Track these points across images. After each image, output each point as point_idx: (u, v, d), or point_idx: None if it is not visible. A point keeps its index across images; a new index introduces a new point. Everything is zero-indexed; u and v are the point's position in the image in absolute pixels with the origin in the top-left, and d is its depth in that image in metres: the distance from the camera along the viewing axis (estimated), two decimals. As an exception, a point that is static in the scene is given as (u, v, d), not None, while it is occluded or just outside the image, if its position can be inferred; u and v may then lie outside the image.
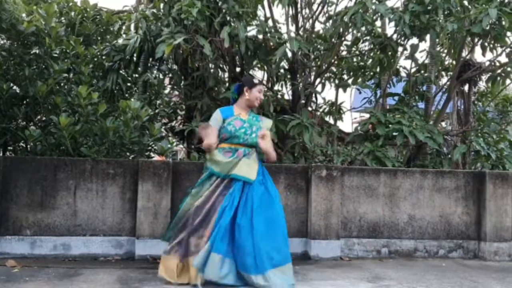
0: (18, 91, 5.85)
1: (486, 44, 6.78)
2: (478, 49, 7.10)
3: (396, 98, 7.59)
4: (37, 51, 5.79)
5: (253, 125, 4.33)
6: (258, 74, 7.89)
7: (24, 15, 5.80)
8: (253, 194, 4.09)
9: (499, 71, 7.18)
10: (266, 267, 3.90)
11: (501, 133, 7.75)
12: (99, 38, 7.14)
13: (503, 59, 7.02)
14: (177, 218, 4.20)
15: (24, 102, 5.90)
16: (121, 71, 6.80)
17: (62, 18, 6.80)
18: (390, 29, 7.13)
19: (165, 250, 4.15)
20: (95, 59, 6.64)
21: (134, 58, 6.69)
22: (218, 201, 4.09)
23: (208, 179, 4.21)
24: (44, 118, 5.96)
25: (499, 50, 6.96)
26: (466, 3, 6.58)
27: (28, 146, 5.83)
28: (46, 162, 5.12)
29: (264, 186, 4.19)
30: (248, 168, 4.17)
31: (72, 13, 6.85)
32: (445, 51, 7.97)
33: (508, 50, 6.88)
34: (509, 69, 7.00)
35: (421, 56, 7.81)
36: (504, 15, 5.85)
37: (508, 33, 6.38)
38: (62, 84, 6.04)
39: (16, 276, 4.19)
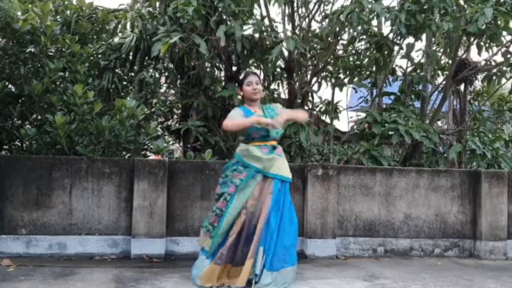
0: (13, 90, 5.83)
1: (481, 43, 6.80)
2: (474, 49, 7.15)
3: (392, 97, 7.60)
4: (33, 50, 5.77)
5: (273, 116, 4.26)
6: (255, 73, 7.88)
7: (19, 13, 5.77)
8: (285, 193, 4.12)
9: (494, 70, 7.21)
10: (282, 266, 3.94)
11: (496, 132, 7.77)
12: (94, 36, 7.12)
13: (499, 58, 7.04)
14: (226, 224, 4.03)
15: (20, 101, 5.87)
16: (117, 70, 6.79)
17: (58, 17, 6.78)
18: (386, 28, 7.17)
19: (209, 258, 4.07)
20: (91, 57, 6.62)
21: (130, 57, 6.68)
22: (266, 203, 4.03)
23: (253, 178, 4.10)
24: (39, 117, 5.94)
25: (495, 49, 6.99)
26: (462, 2, 6.61)
27: (24, 145, 5.82)
28: (42, 161, 5.10)
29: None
30: (284, 167, 4.17)
31: (68, 12, 6.83)
32: (441, 50, 7.99)
33: (503, 49, 6.91)
34: (504, 68, 7.03)
35: (417, 55, 7.82)
36: (499, 14, 5.87)
37: (504, 33, 6.41)
38: (57, 83, 6.02)
39: (11, 275, 4.17)
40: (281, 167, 4.14)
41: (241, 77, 4.49)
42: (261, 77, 7.57)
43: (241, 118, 4.12)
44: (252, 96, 4.31)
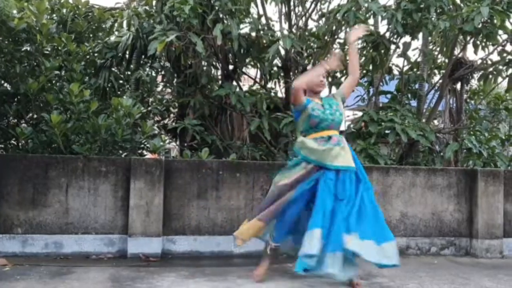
0: (9, 89, 5.81)
1: (478, 42, 6.82)
2: (470, 47, 7.17)
3: (389, 96, 7.60)
4: (28, 48, 5.75)
5: (332, 104, 4.27)
6: (251, 71, 7.90)
7: (15, 11, 5.75)
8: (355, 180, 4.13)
9: (491, 69, 7.22)
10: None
11: (492, 131, 7.80)
12: (91, 35, 7.11)
13: (495, 57, 7.08)
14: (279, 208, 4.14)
15: (15, 99, 5.85)
16: (113, 69, 6.78)
17: (54, 15, 6.76)
18: (382, 27, 7.15)
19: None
20: (87, 56, 6.61)
21: (126, 56, 6.67)
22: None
23: (299, 165, 4.15)
24: (35, 116, 5.92)
25: (491, 48, 7.00)
26: (458, 1, 6.63)
27: (20, 143, 5.80)
28: (38, 159, 5.08)
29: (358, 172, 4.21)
30: (344, 156, 4.12)
31: (64, 10, 6.82)
32: (438, 49, 8.00)
33: (499, 48, 6.92)
34: (500, 67, 7.04)
35: (413, 54, 7.84)
36: (495, 13, 5.88)
37: (500, 32, 6.42)
38: (53, 82, 6.01)
39: (7, 274, 4.16)
40: (338, 156, 4.09)
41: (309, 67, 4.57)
42: (258, 75, 7.59)
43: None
44: (317, 88, 4.32)
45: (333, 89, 7.68)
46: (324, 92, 4.76)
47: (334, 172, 4.06)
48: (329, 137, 4.15)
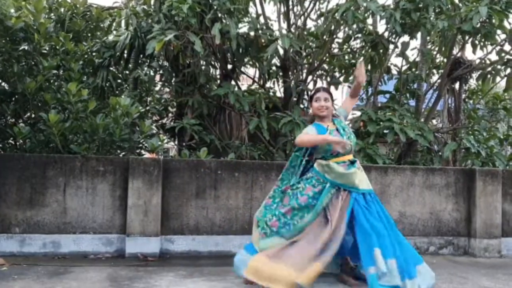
0: (6, 88, 5.80)
1: (476, 42, 6.83)
2: (468, 47, 7.16)
3: (387, 95, 7.61)
4: (26, 47, 5.74)
5: (345, 127, 4.27)
6: (250, 71, 7.89)
7: (12, 10, 5.74)
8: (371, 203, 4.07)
9: (489, 69, 7.23)
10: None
11: (491, 131, 7.80)
12: (89, 34, 7.10)
13: (493, 57, 7.08)
14: (295, 231, 4.05)
15: (13, 99, 5.84)
16: (111, 68, 6.77)
17: (52, 14, 6.75)
18: (381, 27, 7.15)
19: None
20: (85, 55, 6.60)
21: (125, 55, 6.66)
22: (342, 215, 4.00)
23: (328, 193, 4.06)
24: (33, 115, 5.91)
25: (489, 48, 7.00)
26: (456, 1, 6.63)
27: (17, 143, 5.79)
28: (35, 159, 5.07)
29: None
30: (365, 180, 4.14)
31: (62, 9, 6.80)
32: (436, 49, 8.01)
33: (498, 48, 6.92)
34: (499, 66, 7.05)
35: (412, 54, 7.90)
36: (494, 13, 5.89)
37: (498, 31, 6.43)
38: (51, 81, 6.00)
39: (4, 274, 4.15)
40: (362, 179, 4.11)
41: (313, 91, 4.47)
42: (257, 75, 7.58)
43: (314, 135, 4.13)
44: (318, 113, 4.27)
45: (331, 88, 7.69)
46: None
47: (361, 195, 4.07)
48: (353, 161, 4.15)
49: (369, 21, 6.87)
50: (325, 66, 7.65)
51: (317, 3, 7.31)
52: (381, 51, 6.71)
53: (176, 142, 7.56)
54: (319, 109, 4.25)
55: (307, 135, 4.14)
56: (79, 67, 5.95)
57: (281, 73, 7.15)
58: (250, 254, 4.05)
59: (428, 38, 7.64)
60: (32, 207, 4.99)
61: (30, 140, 5.49)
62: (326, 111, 4.25)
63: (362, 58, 4.14)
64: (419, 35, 6.99)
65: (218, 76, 7.41)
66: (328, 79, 7.82)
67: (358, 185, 4.05)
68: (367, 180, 4.19)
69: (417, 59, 7.76)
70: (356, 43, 7.35)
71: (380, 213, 4.04)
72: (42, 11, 5.84)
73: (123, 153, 5.90)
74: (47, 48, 6.02)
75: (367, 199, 4.06)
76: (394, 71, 7.78)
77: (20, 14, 5.67)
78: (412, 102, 7.75)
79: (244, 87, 7.57)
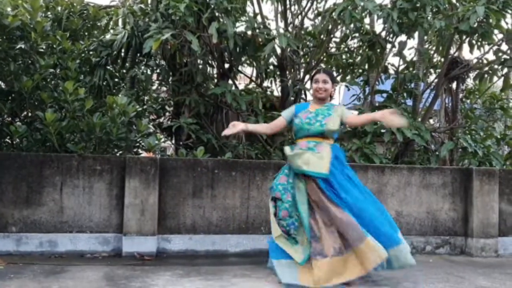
0: (3, 87, 5.78)
1: (473, 41, 6.83)
2: (465, 47, 7.16)
3: (385, 95, 7.61)
4: (23, 46, 5.71)
5: (319, 114, 4.25)
6: (247, 70, 7.89)
7: (9, 9, 5.71)
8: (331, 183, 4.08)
9: (486, 68, 7.24)
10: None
11: (488, 130, 7.82)
12: (86, 33, 7.09)
13: (491, 56, 7.09)
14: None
15: (10, 97, 5.82)
16: (108, 67, 6.75)
17: (49, 13, 6.74)
18: (378, 26, 7.18)
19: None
20: (82, 54, 6.58)
21: (122, 54, 6.64)
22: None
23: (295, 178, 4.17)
24: (30, 114, 5.89)
25: (487, 47, 7.01)
26: (454, 0, 6.63)
27: (14, 142, 5.77)
28: (32, 158, 5.06)
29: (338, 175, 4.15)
30: (318, 162, 4.09)
31: (59, 8, 6.79)
32: (433, 48, 8.01)
33: (495, 47, 6.93)
34: (496, 66, 7.05)
35: (409, 53, 7.90)
36: (491, 13, 5.89)
37: (495, 31, 6.44)
38: (48, 80, 5.98)
39: (0, 273, 4.13)
40: (308, 161, 4.08)
41: (312, 73, 4.52)
42: (254, 74, 7.58)
43: (279, 120, 4.37)
44: (315, 94, 4.32)
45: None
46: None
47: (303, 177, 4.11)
48: (316, 143, 4.20)
49: (367, 20, 6.87)
50: (323, 65, 7.64)
51: (315, 2, 7.31)
52: (378, 50, 6.71)
53: (173, 141, 7.55)
54: (316, 91, 4.29)
55: None
56: (76, 66, 5.93)
57: (278, 72, 7.15)
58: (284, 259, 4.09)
59: (425, 37, 7.65)
60: (28, 206, 4.98)
61: (27, 139, 5.48)
62: (324, 93, 4.27)
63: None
64: (416, 34, 7.00)
65: (215, 75, 7.40)
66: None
67: (301, 167, 4.06)
68: (323, 162, 4.10)
69: (415, 59, 7.76)
70: (353, 43, 7.36)
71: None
72: (39, 10, 5.81)
73: (120, 152, 5.89)
74: (44, 47, 6.00)
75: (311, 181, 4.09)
76: (391, 71, 7.78)
77: (16, 12, 5.65)
78: (409, 102, 7.75)
79: (241, 86, 7.56)
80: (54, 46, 6.02)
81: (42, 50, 5.95)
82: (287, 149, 4.23)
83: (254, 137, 6.91)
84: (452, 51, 7.55)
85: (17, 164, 4.99)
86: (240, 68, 7.48)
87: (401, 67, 7.67)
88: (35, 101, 5.76)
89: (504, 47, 6.79)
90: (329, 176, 4.08)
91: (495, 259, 5.63)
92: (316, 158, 4.10)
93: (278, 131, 4.59)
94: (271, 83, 7.69)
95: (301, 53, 7.23)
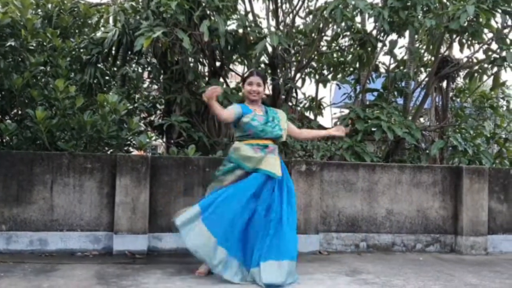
0: (-7, 84, 5.73)
1: (463, 40, 6.88)
2: (456, 46, 7.22)
3: (375, 93, 7.64)
4: (13, 44, 5.67)
5: (275, 118, 4.34)
6: (238, 68, 7.88)
7: (-1, 6, 5.68)
8: (280, 188, 4.16)
9: (476, 67, 7.29)
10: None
11: (478, 129, 7.87)
12: (76, 31, 7.04)
13: (480, 55, 7.13)
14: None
15: (0, 95, 5.78)
16: (99, 65, 6.72)
17: (39, 10, 6.68)
18: (369, 25, 7.18)
19: None
20: (73, 52, 6.54)
21: (113, 52, 6.62)
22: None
23: (232, 172, 4.21)
24: (20, 112, 5.86)
25: (477, 46, 7.06)
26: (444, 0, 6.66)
27: (4, 140, 5.73)
28: (22, 156, 5.03)
29: (285, 182, 4.24)
30: (274, 164, 4.18)
31: (49, 5, 6.73)
32: (424, 47, 8.06)
33: (485, 46, 6.97)
34: (485, 65, 7.10)
35: (400, 52, 7.87)
36: (481, 12, 5.93)
37: (485, 30, 6.48)
38: (38, 77, 5.94)
39: (-10, 272, 4.12)
40: (271, 164, 4.17)
41: (246, 74, 4.54)
42: (245, 72, 7.56)
43: (231, 111, 4.23)
44: (249, 97, 4.35)
45: (320, 86, 7.72)
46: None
47: (265, 177, 4.14)
48: (266, 146, 4.23)
49: (358, 19, 6.89)
50: (314, 64, 7.66)
51: (306, 1, 7.33)
52: (369, 49, 6.73)
53: (164, 139, 7.53)
54: (250, 93, 4.33)
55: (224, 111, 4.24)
56: (66, 63, 5.89)
57: (269, 71, 7.15)
58: None
59: (416, 36, 7.68)
60: (18, 205, 4.95)
61: (17, 137, 5.45)
62: (257, 96, 4.34)
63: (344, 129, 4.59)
64: (407, 33, 7.03)
65: (207, 74, 7.39)
66: (317, 76, 7.84)
67: (264, 168, 4.13)
68: (278, 166, 4.21)
69: (405, 58, 7.79)
70: (344, 41, 7.38)
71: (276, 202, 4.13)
72: (29, 7, 5.77)
73: (111, 150, 5.87)
74: (34, 44, 5.96)
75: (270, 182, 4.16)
76: (382, 69, 7.82)
77: (6, 9, 5.61)
78: (400, 100, 7.79)
79: (232, 85, 7.55)
80: (45, 43, 5.98)
81: (32, 47, 5.91)
82: (248, 149, 4.20)
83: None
84: (442, 50, 7.59)
85: (7, 162, 4.96)
86: (231, 66, 7.47)
87: (392, 66, 7.70)
88: (25, 99, 5.72)
89: (494, 46, 6.84)
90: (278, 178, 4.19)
91: (484, 257, 5.68)
92: (273, 161, 4.20)
93: (226, 121, 4.53)
94: (262, 81, 7.68)
95: (292, 51, 7.23)
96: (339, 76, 7.87)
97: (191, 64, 6.87)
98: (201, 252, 4.01)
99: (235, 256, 4.03)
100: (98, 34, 6.86)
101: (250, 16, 6.95)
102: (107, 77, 7.08)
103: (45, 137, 5.19)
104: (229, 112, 4.23)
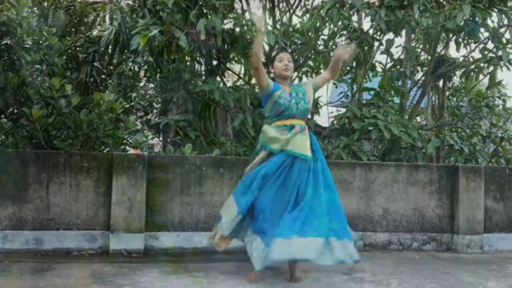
0: (-12, 83, 5.70)
1: (460, 40, 6.88)
2: (452, 45, 7.21)
3: (372, 92, 7.64)
4: (8, 42, 5.64)
5: (299, 92, 4.30)
6: (235, 67, 7.87)
7: (-6, 4, 5.65)
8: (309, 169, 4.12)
9: (472, 66, 7.29)
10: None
11: (474, 128, 7.88)
12: (72, 29, 7.00)
13: (477, 54, 7.13)
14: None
15: (-5, 94, 5.76)
16: (95, 63, 6.69)
17: (35, 8, 6.65)
18: (366, 24, 7.18)
19: None
20: (69, 50, 6.51)
21: (109, 50, 6.59)
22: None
23: (258, 155, 4.22)
24: (15, 111, 5.83)
25: (473, 46, 7.06)
26: (441, -1, 6.67)
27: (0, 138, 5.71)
28: (18, 155, 5.01)
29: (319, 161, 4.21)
30: (302, 145, 4.13)
31: (45, 3, 6.70)
32: (420, 46, 8.06)
33: (481, 46, 6.98)
34: (482, 64, 7.11)
35: (396, 51, 7.88)
36: (477, 11, 5.95)
37: (482, 29, 6.49)
38: (34, 76, 5.90)
39: (-14, 271, 4.11)
40: (300, 145, 4.12)
41: (275, 53, 4.51)
42: (242, 71, 7.57)
43: (267, 77, 4.27)
44: (282, 72, 4.33)
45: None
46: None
47: (291, 158, 4.11)
48: (292, 126, 4.19)
49: (354, 18, 6.89)
50: (310, 62, 7.66)
51: (303, 0, 7.31)
52: (366, 48, 6.73)
53: (160, 138, 7.52)
54: (283, 69, 4.32)
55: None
56: (62, 62, 5.87)
57: (266, 70, 7.14)
58: None
59: (412, 35, 7.69)
60: (14, 203, 4.94)
61: (13, 136, 5.42)
62: (289, 71, 4.36)
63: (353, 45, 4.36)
64: (403, 32, 7.04)
65: (203, 72, 7.38)
66: (314, 75, 7.83)
67: (292, 149, 4.10)
68: (307, 146, 4.18)
69: (402, 57, 7.80)
70: (341, 40, 7.36)
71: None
72: (25, 5, 5.74)
73: (107, 149, 5.86)
74: (30, 43, 5.91)
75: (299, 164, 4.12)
76: (378, 68, 7.82)
77: (2, 8, 5.58)
78: (397, 99, 7.79)
79: (229, 83, 7.54)
80: (40, 42, 5.94)
81: (28, 46, 5.87)
82: (273, 131, 4.19)
83: (242, 134, 6.90)
84: (439, 49, 7.60)
85: (2, 161, 4.94)
86: (228, 65, 7.46)
87: (388, 65, 7.70)
88: (21, 97, 5.70)
89: (490, 45, 6.85)
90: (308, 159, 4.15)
91: (480, 256, 5.69)
92: (301, 141, 4.16)
93: (260, 80, 4.36)
94: (259, 80, 7.67)
95: (289, 50, 7.22)
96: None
97: (188, 63, 6.87)
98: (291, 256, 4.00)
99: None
100: (95, 32, 6.83)
101: (247, 15, 6.93)
102: (103, 76, 7.05)
103: (41, 135, 5.18)
104: (265, 75, 4.24)
